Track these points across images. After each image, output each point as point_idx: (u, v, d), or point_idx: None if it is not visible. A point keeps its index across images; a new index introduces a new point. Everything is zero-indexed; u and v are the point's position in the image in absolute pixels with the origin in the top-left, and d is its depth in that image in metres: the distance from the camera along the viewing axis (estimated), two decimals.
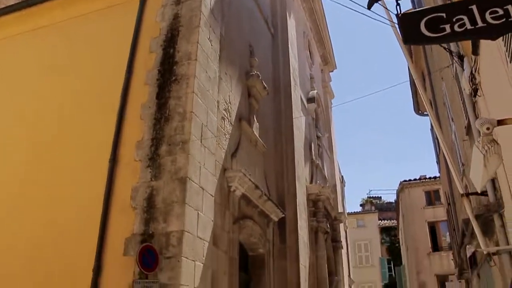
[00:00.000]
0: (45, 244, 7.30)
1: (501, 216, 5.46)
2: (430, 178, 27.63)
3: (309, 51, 19.88)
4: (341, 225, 19.39)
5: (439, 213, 25.37)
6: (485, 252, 6.68)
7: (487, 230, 6.00)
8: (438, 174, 21.09)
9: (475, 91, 5.34)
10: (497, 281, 6.64)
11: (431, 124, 14.28)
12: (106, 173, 7.40)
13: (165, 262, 6.49)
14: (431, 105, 11.62)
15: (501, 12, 3.05)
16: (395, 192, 30.70)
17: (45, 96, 8.85)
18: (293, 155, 12.84)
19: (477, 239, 5.86)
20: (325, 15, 22.18)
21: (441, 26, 3.24)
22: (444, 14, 3.27)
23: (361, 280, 33.50)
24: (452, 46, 6.03)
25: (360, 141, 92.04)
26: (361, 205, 42.86)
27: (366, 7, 4.21)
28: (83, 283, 6.65)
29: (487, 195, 5.80)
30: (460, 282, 13.35)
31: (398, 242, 36.42)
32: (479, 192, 5.59)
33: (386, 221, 40.17)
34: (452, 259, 18.00)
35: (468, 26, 3.12)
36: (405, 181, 28.23)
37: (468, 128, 6.38)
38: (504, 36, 3.53)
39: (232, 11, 10.67)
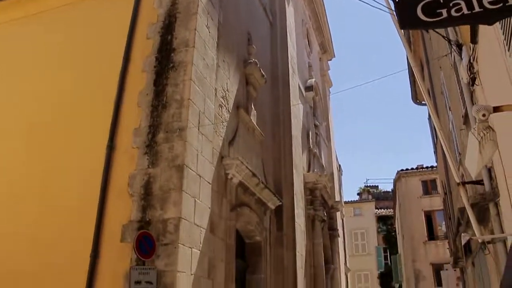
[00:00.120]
0: (44, 230, 7.32)
1: (497, 205, 5.49)
2: (427, 167, 27.70)
3: (308, 40, 19.80)
4: (338, 213, 19.50)
5: (435, 202, 25.49)
6: (480, 241, 6.74)
7: (482, 218, 6.03)
8: (435, 164, 21.14)
9: (473, 80, 5.33)
10: (491, 269, 6.70)
11: (428, 114, 14.30)
12: (104, 160, 7.42)
13: (162, 248, 6.53)
14: (429, 94, 11.62)
15: None
16: (392, 181, 30.80)
17: (41, 84, 8.80)
18: (291, 143, 12.85)
19: (473, 228, 5.90)
20: (323, 3, 22.05)
21: (438, 11, 3.22)
22: None
23: (357, 268, 33.76)
24: (451, 34, 6.00)
25: (358, 130, 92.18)
26: (358, 194, 42.94)
27: None
28: (81, 269, 6.70)
29: (483, 184, 5.82)
30: (455, 270, 13.47)
31: (395, 231, 36.61)
32: (474, 179, 5.62)
33: (382, 210, 40.32)
34: (447, 248, 18.13)
35: (465, 11, 3.10)
36: (402, 170, 28.29)
37: (466, 118, 6.38)
38: (503, 25, 3.51)
39: None
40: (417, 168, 28.21)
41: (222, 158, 8.69)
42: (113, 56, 8.28)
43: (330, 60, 24.47)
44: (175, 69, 7.84)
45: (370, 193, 42.41)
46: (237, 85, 10.30)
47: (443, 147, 5.04)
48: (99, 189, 7.20)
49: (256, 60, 11.14)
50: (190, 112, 7.46)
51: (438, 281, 21.00)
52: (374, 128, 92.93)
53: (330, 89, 24.42)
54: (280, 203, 11.30)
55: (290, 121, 13.16)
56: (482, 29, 4.36)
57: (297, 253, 11.53)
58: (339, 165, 25.16)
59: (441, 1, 3.23)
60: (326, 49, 23.44)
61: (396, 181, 29.30)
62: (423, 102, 15.48)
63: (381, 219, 39.34)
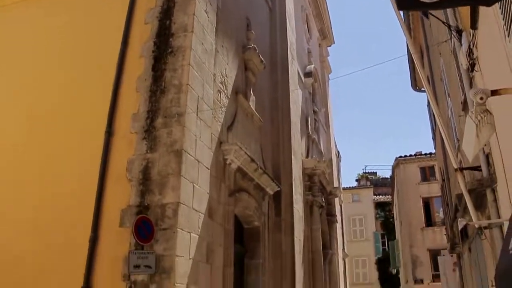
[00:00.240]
0: (44, 215, 7.35)
1: (494, 191, 5.51)
2: (425, 154, 27.78)
3: (307, 26, 19.66)
4: (336, 199, 19.57)
5: (433, 189, 25.61)
6: (476, 226, 6.78)
7: (480, 204, 6.06)
8: (433, 151, 21.19)
9: (472, 66, 5.30)
10: (487, 254, 6.75)
11: (428, 100, 14.26)
12: (102, 145, 7.42)
13: (161, 233, 6.57)
14: (429, 81, 11.58)
15: None
16: (391, 167, 30.89)
17: (40, 69, 8.75)
18: (289, 129, 12.85)
19: (470, 214, 5.92)
20: None
21: None
22: None
23: (355, 254, 34.01)
24: (451, 20, 5.96)
25: (357, 117, 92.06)
26: (356, 180, 43.06)
27: None
28: (80, 253, 6.75)
29: (481, 170, 5.83)
30: (451, 256, 13.57)
31: (393, 217, 36.81)
32: (470, 162, 5.63)
33: (381, 196, 40.47)
34: (445, 234, 18.25)
35: None
36: (400, 157, 28.37)
37: (464, 104, 6.36)
38: (503, 10, 3.49)
39: None
40: (415, 155, 28.29)
41: (221, 143, 8.69)
42: (112, 41, 8.24)
43: (330, 46, 24.33)
44: (173, 54, 7.80)
45: (368, 180, 42.54)
46: (236, 71, 10.26)
47: (442, 134, 5.03)
48: (97, 174, 7.22)
49: (255, 46, 11.08)
50: (189, 97, 7.44)
51: (435, 266, 21.22)
52: (373, 115, 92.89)
53: (330, 75, 24.32)
54: (279, 189, 11.34)
55: (289, 107, 13.13)
56: (482, 14, 4.33)
57: (295, 238, 11.60)
58: (338, 151, 25.19)
59: None
60: (325, 35, 23.28)
61: (394, 168, 29.40)
62: (422, 89, 15.44)
63: (379, 205, 39.50)
